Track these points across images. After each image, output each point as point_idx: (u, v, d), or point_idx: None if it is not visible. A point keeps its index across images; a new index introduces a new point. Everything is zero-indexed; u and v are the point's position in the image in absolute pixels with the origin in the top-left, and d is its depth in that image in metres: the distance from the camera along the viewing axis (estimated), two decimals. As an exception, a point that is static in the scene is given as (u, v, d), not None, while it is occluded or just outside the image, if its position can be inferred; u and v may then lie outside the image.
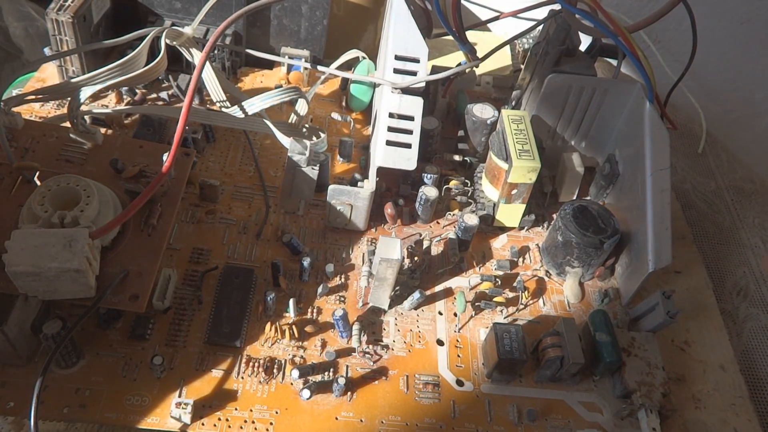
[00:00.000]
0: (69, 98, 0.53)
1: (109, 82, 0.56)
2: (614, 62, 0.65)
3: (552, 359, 0.49)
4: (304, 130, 0.64)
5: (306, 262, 0.52)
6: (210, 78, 0.61)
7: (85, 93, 0.53)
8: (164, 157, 0.49)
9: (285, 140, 0.62)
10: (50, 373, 0.44)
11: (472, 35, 0.67)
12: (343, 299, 0.54)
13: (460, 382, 0.50)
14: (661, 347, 0.53)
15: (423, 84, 0.55)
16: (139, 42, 0.60)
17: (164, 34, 0.61)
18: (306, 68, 0.72)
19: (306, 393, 0.46)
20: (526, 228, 0.62)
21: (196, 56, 0.63)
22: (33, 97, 0.55)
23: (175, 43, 0.62)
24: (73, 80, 0.55)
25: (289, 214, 0.59)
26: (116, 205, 0.47)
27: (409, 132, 0.54)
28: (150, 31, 0.61)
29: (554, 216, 0.59)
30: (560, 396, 0.50)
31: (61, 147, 0.52)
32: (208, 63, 0.59)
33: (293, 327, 0.50)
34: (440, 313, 0.54)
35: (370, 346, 0.51)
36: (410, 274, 0.55)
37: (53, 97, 0.56)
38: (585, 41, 0.66)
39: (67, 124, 0.52)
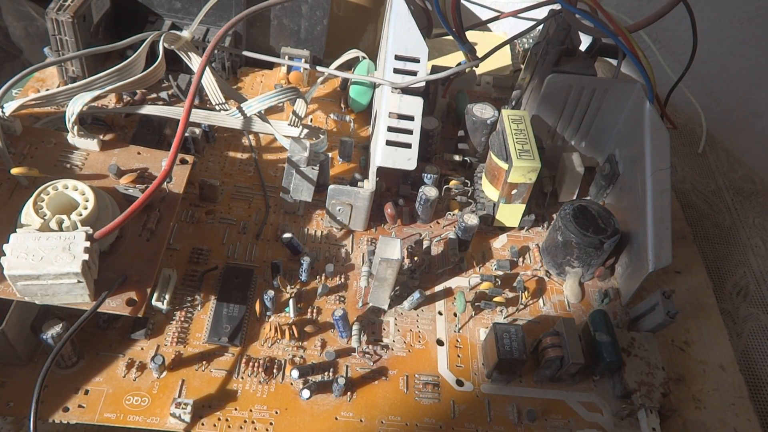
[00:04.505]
0: (67, 104, 0.53)
1: (107, 87, 0.56)
2: (614, 62, 0.65)
3: (552, 359, 0.49)
4: (304, 130, 0.64)
5: (306, 262, 0.53)
6: (209, 82, 0.61)
7: (84, 99, 0.53)
8: (163, 163, 0.49)
9: (285, 140, 0.62)
10: (50, 373, 0.44)
11: (472, 35, 0.67)
12: (342, 299, 0.54)
13: (459, 382, 0.50)
14: (661, 347, 0.53)
15: (423, 84, 0.55)
16: (139, 44, 0.60)
17: (162, 38, 0.61)
18: (305, 68, 0.72)
19: (306, 393, 0.46)
20: (526, 228, 0.62)
21: (195, 60, 0.63)
22: (32, 102, 0.55)
23: (173, 47, 0.62)
24: (71, 86, 0.55)
25: (289, 214, 0.59)
26: (115, 210, 0.47)
27: (409, 132, 0.54)
28: (148, 36, 0.61)
29: (554, 216, 0.59)
30: (560, 396, 0.50)
31: (59, 153, 0.52)
32: (207, 67, 0.59)
33: (293, 327, 0.50)
34: (440, 313, 0.54)
35: (370, 346, 0.51)
36: (410, 274, 0.55)
37: (51, 102, 0.56)
38: (585, 41, 0.66)
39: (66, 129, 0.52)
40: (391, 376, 0.49)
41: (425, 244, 0.59)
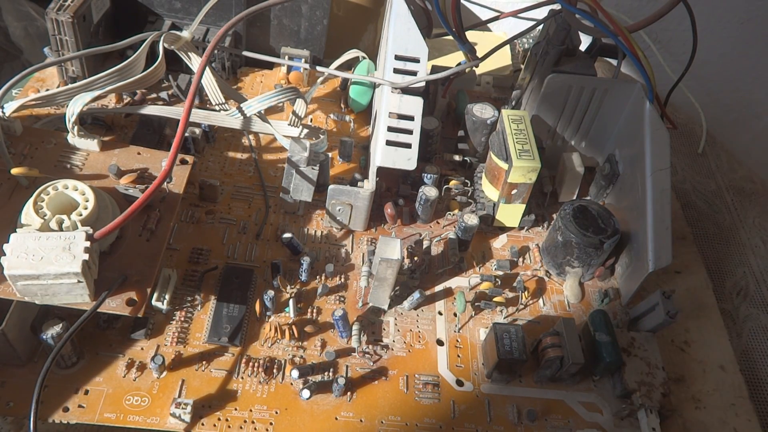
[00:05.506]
0: (67, 104, 0.53)
1: (107, 87, 0.56)
2: (614, 62, 0.65)
3: (552, 359, 0.49)
4: (304, 130, 0.64)
5: (306, 262, 0.53)
6: (209, 83, 0.61)
7: (84, 99, 0.53)
8: (163, 163, 0.49)
9: (285, 140, 0.62)
10: (50, 373, 0.44)
11: (472, 35, 0.67)
12: (342, 299, 0.54)
13: (459, 382, 0.50)
14: (661, 347, 0.53)
15: (423, 84, 0.55)
16: (139, 44, 0.60)
17: (162, 38, 0.61)
18: (305, 68, 0.72)
19: (306, 393, 0.46)
20: (526, 228, 0.62)
21: (195, 60, 0.63)
22: (32, 102, 0.55)
23: (173, 47, 0.62)
24: (71, 86, 0.55)
25: (289, 214, 0.59)
26: (115, 210, 0.47)
27: (409, 132, 0.54)
28: (148, 36, 0.61)
29: (554, 216, 0.59)
30: (560, 396, 0.50)
31: (59, 153, 0.52)
32: (207, 68, 0.59)
33: (293, 327, 0.50)
34: (440, 313, 0.54)
35: (370, 346, 0.51)
36: (410, 274, 0.55)
37: (51, 103, 0.56)
38: (585, 41, 0.66)
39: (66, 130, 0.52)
40: (391, 376, 0.49)
41: (425, 244, 0.59)
